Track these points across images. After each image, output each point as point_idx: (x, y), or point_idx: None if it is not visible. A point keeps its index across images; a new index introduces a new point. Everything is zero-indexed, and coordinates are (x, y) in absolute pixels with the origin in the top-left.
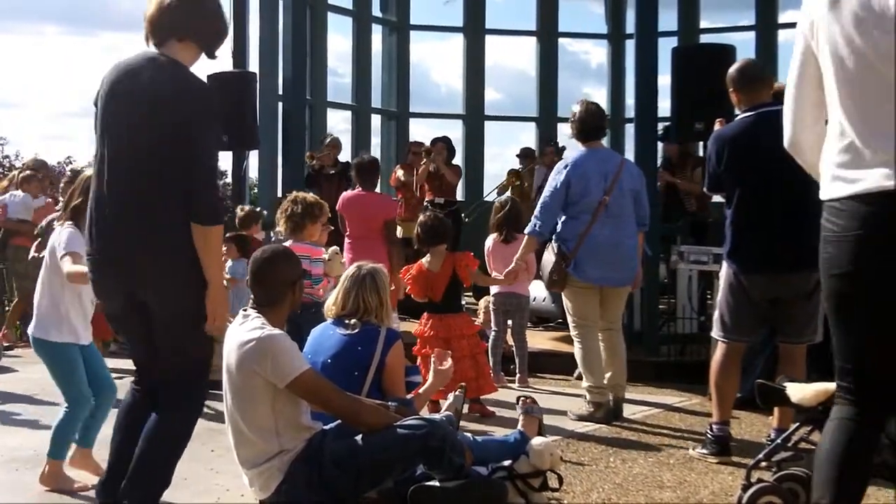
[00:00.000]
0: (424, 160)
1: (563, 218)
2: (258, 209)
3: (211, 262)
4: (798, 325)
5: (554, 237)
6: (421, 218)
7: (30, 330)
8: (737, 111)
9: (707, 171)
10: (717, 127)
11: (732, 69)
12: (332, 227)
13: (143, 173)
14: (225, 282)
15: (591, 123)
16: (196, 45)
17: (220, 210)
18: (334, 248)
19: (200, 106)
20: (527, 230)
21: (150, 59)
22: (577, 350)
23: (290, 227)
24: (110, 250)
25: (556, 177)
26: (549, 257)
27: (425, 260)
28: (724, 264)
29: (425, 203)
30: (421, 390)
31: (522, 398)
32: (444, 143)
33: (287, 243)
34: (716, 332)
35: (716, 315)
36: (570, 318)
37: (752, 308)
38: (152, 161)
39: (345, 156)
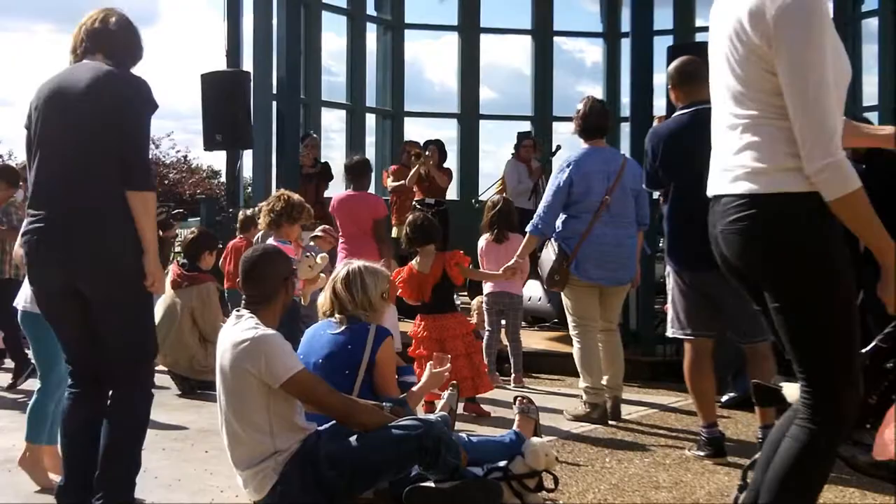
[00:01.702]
0: (414, 162)
1: (564, 217)
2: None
3: (146, 226)
4: (741, 323)
5: (554, 236)
6: (409, 218)
7: (19, 303)
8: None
9: (644, 167)
10: (655, 123)
11: (671, 66)
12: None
13: (77, 158)
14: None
15: (594, 121)
16: (111, 61)
17: (151, 177)
18: (323, 254)
19: (126, 88)
20: (528, 228)
21: (70, 69)
22: (575, 350)
23: (268, 222)
24: (46, 236)
25: (559, 175)
26: (548, 256)
27: (415, 262)
28: (667, 263)
29: (414, 203)
30: (414, 388)
31: (519, 398)
32: (436, 146)
33: (269, 240)
34: (674, 331)
35: (670, 314)
36: (569, 318)
37: (701, 302)
38: (86, 145)
39: (339, 155)
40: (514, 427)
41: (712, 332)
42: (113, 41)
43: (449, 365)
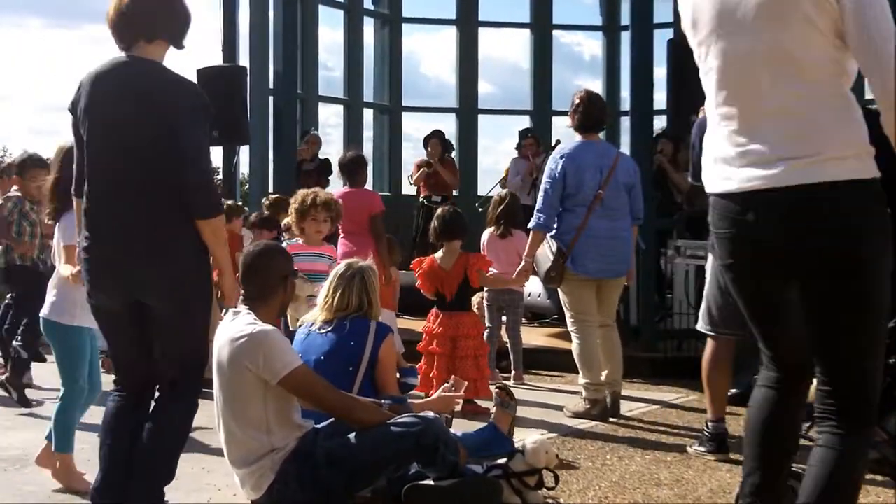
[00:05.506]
0: (420, 168)
1: (559, 211)
2: (238, 203)
3: (217, 250)
4: None
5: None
6: (439, 211)
7: (43, 313)
8: None
9: (691, 159)
10: (701, 114)
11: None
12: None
13: (135, 177)
14: None
15: (592, 115)
16: (164, 41)
17: (218, 200)
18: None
19: (183, 100)
20: (531, 225)
21: (124, 63)
22: (574, 346)
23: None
24: (108, 255)
25: (553, 167)
26: (544, 253)
27: (438, 255)
28: (710, 255)
29: (421, 200)
30: (418, 401)
31: (499, 391)
32: (437, 139)
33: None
34: (703, 326)
35: (703, 307)
36: (567, 314)
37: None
38: (143, 163)
39: (336, 150)
40: (491, 419)
41: (742, 333)
42: (152, 19)
43: (463, 392)
